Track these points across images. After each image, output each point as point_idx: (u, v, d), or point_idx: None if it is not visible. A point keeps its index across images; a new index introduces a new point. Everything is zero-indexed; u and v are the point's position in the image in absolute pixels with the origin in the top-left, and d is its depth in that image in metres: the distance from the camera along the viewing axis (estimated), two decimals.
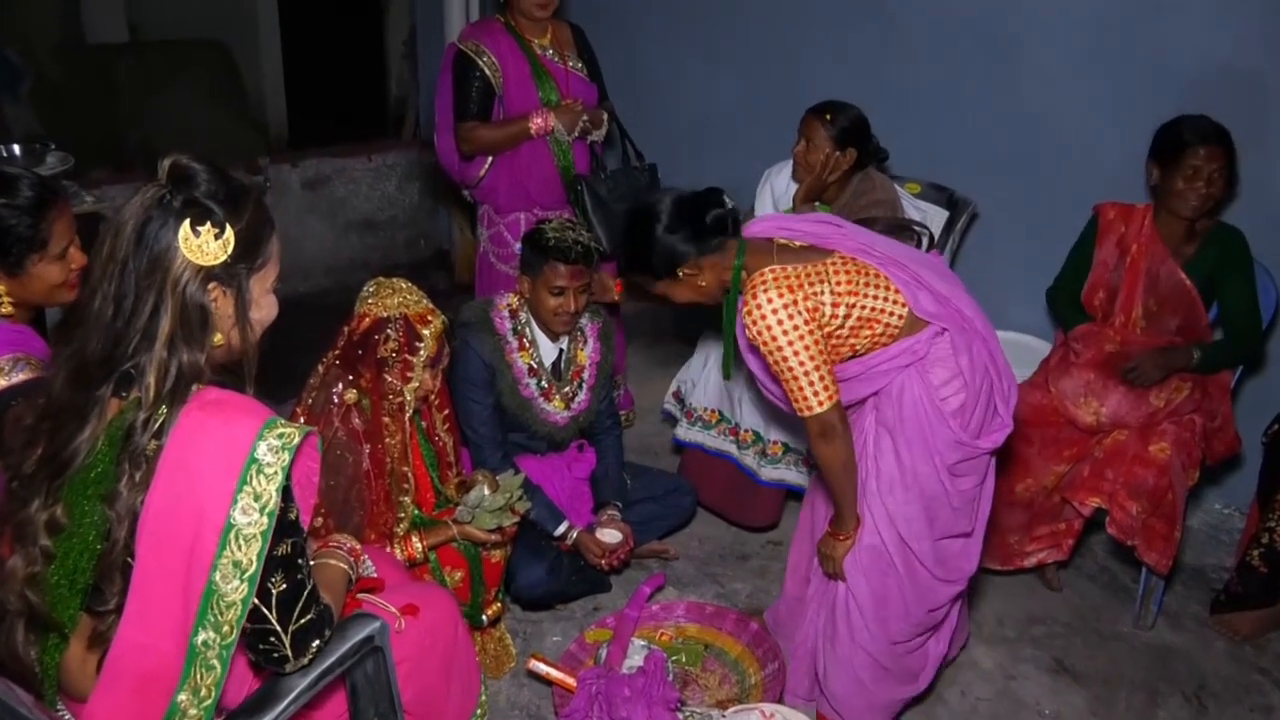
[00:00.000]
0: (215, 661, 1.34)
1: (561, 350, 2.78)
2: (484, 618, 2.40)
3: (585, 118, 3.12)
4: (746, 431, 3.01)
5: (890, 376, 2.06)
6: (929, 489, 2.06)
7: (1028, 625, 2.80)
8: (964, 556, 2.17)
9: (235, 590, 1.32)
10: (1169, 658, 2.69)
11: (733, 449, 3.04)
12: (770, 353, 1.98)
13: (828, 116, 2.78)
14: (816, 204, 2.84)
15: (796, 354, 1.95)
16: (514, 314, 2.72)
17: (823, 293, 1.99)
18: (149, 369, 1.33)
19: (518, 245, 3.01)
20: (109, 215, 3.02)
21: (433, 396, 2.30)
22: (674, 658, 2.47)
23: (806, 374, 1.96)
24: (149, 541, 1.32)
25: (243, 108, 5.78)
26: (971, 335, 2.03)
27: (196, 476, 1.32)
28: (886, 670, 2.21)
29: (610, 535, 2.76)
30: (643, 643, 2.46)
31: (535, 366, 2.72)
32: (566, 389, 2.79)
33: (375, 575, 1.95)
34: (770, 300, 1.95)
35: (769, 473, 2.97)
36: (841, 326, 2.02)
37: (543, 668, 2.33)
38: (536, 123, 3.07)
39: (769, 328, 1.95)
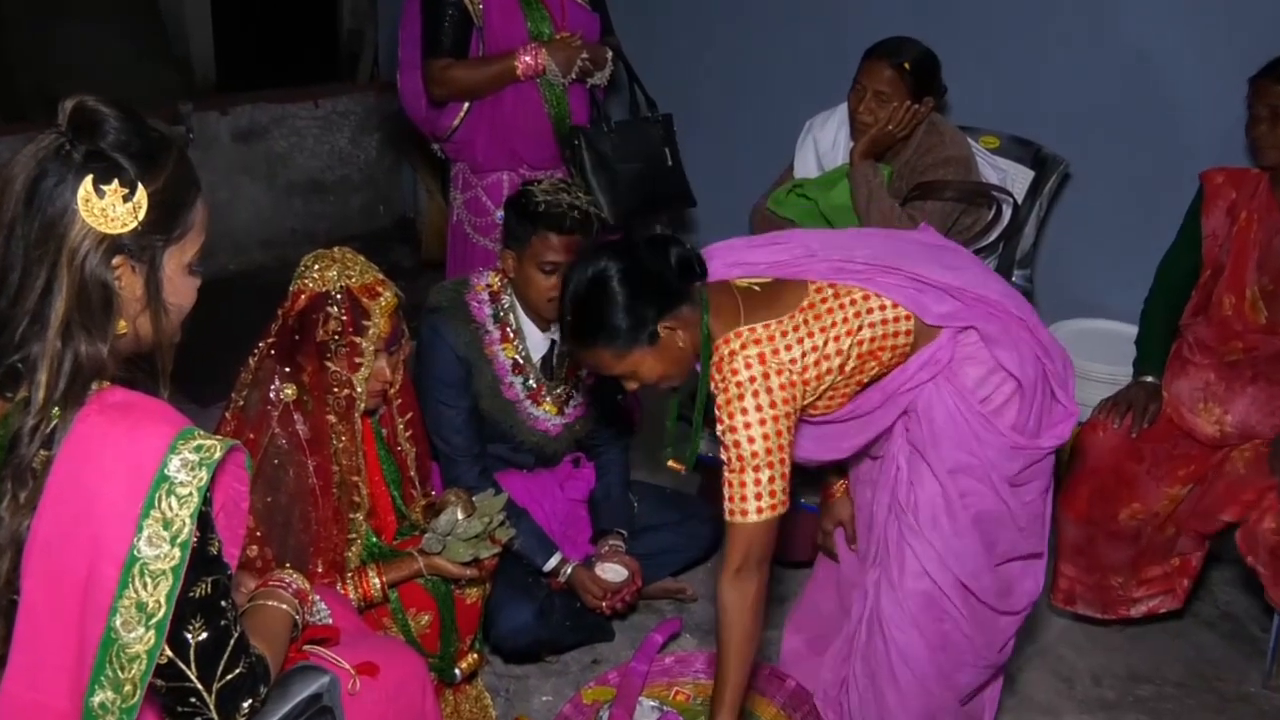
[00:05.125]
0: None
1: (554, 342, 2.77)
2: (456, 672, 2.40)
3: (584, 56, 3.11)
4: None
5: (915, 394, 2.08)
6: (986, 511, 2.07)
7: (1131, 684, 2.79)
8: (1028, 577, 2.21)
9: (140, 640, 1.31)
10: None
11: None
12: (725, 430, 1.93)
13: (905, 64, 2.77)
14: (879, 164, 2.83)
15: (752, 440, 1.91)
16: (495, 297, 2.71)
17: (805, 353, 1.97)
18: (41, 362, 1.32)
19: (499, 213, 2.99)
20: None
21: (392, 393, 2.29)
22: None
23: (757, 468, 1.91)
24: (36, 576, 1.32)
25: (161, 42, 5.77)
26: (1006, 319, 2.05)
27: (93, 496, 1.31)
28: None
29: (613, 571, 2.76)
30: (653, 703, 2.47)
31: (521, 362, 2.72)
32: (559, 390, 2.78)
33: (330, 624, 1.94)
34: (749, 366, 1.93)
35: (812, 497, 2.95)
36: (840, 371, 2.01)
37: None
38: (525, 61, 3.06)
39: (740, 396, 1.92)
